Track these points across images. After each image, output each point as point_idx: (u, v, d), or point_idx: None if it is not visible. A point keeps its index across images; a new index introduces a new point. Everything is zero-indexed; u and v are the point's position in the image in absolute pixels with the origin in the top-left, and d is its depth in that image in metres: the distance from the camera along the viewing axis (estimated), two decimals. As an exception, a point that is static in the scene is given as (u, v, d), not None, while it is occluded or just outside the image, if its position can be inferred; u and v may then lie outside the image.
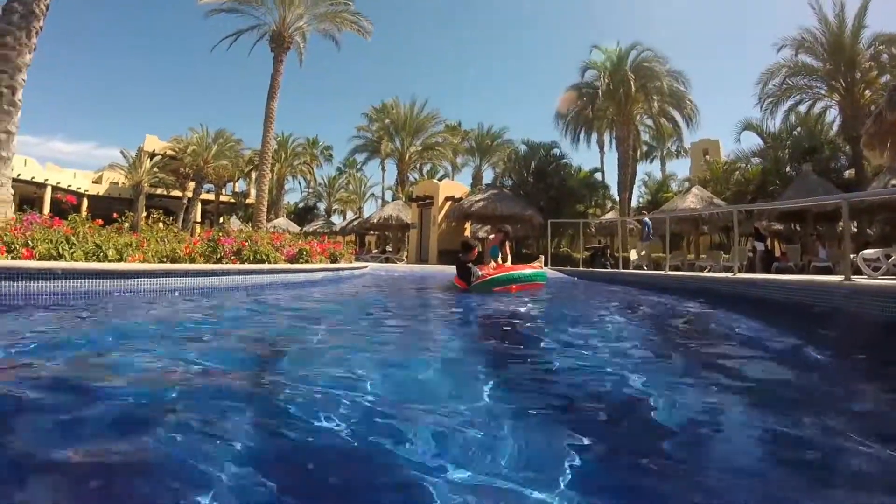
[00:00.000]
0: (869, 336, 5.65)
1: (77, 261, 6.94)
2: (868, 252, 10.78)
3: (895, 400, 3.11)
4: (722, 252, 23.80)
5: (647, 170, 44.84)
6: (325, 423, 2.13)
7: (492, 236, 11.90)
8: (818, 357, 4.50)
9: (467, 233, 34.77)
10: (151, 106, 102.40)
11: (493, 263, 11.22)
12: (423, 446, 1.95)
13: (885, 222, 25.94)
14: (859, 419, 2.62)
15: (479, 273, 10.17)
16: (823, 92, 27.86)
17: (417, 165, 48.91)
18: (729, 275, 10.91)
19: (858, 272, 9.87)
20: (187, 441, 1.93)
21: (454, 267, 10.80)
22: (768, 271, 16.72)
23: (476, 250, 10.99)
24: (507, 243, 11.88)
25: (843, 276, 7.15)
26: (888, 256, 9.94)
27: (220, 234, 11.35)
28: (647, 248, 21.96)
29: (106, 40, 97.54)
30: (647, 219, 22.33)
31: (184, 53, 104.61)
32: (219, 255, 9.88)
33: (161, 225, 11.27)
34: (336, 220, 53.02)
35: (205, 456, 1.79)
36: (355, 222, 42.75)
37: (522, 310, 7.68)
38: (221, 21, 35.48)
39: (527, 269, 10.73)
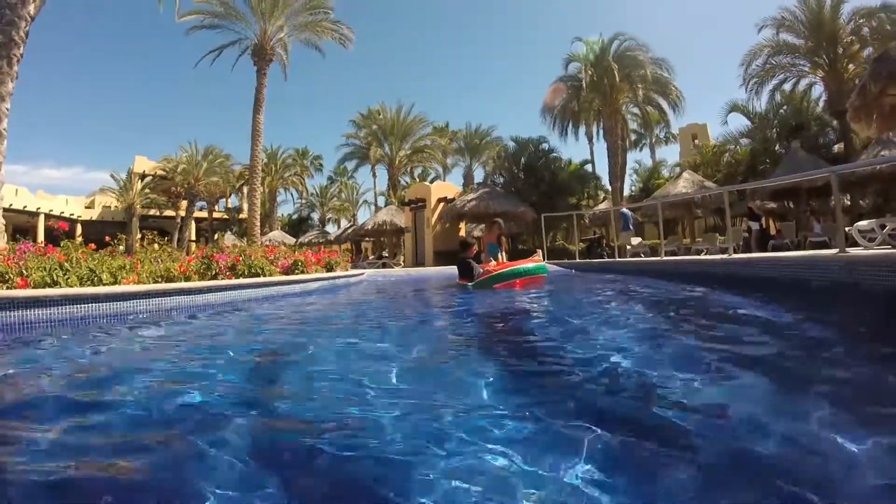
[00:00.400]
0: (869, 306, 5.65)
1: (72, 286, 6.91)
2: (862, 223, 10.78)
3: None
4: (717, 234, 23.86)
5: (637, 158, 45.08)
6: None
7: (485, 234, 11.87)
8: (819, 331, 4.52)
9: (462, 233, 34.74)
10: (139, 127, 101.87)
11: (493, 262, 11.25)
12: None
13: (877, 194, 26.07)
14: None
15: (481, 270, 10.38)
16: (807, 69, 27.93)
17: (408, 169, 48.89)
18: (725, 256, 10.93)
19: (855, 245, 9.88)
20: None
21: (453, 267, 10.89)
22: (764, 250, 16.77)
23: (474, 248, 11.35)
24: (502, 238, 11.89)
25: (837, 250, 7.15)
26: (882, 227, 9.96)
27: (214, 250, 11.34)
28: (626, 237, 21.99)
29: (88, 64, 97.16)
30: (624, 210, 22.46)
31: (168, 72, 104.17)
32: (213, 272, 9.84)
33: (156, 246, 11.24)
34: (331, 229, 52.94)
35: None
36: (350, 230, 42.68)
37: (537, 304, 7.74)
38: (203, 38, 35.60)
39: (528, 264, 10.78)
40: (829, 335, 4.36)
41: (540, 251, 13.05)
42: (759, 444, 1.97)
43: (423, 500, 1.54)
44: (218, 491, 1.63)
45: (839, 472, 1.81)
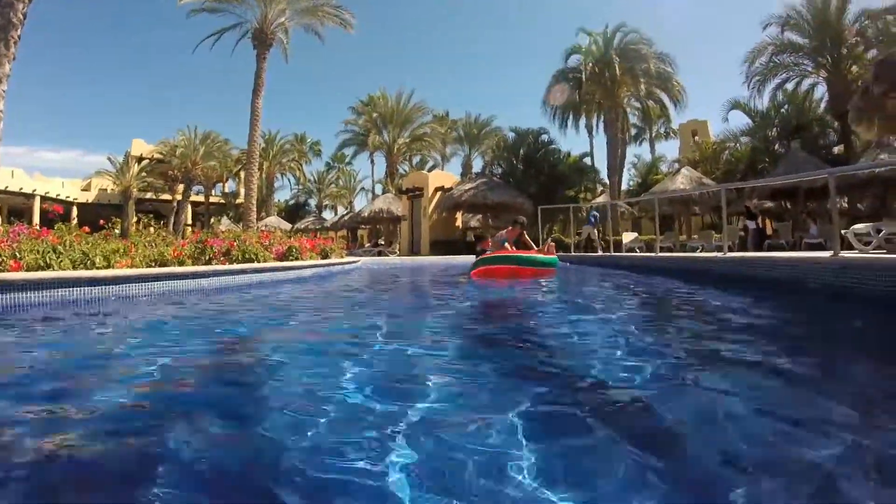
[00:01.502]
0: (859, 310, 5.69)
1: (65, 269, 6.89)
2: (859, 227, 10.79)
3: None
4: (713, 232, 23.89)
5: (637, 152, 44.78)
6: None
7: (505, 231, 11.87)
8: (804, 331, 4.57)
9: (458, 223, 34.83)
10: (138, 110, 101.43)
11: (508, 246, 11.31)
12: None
13: (875, 197, 26.02)
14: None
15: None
16: (810, 69, 27.82)
17: (406, 157, 48.79)
18: (719, 254, 10.94)
19: (850, 247, 9.90)
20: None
21: (450, 257, 11.21)
22: (760, 249, 16.79)
23: (488, 240, 12.11)
24: (525, 237, 11.96)
25: (832, 252, 7.17)
26: (879, 231, 9.96)
27: (209, 235, 11.33)
28: (589, 231, 22.37)
29: (89, 47, 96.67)
30: (594, 211, 23.77)
31: (168, 55, 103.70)
32: (207, 257, 9.84)
33: (151, 230, 11.22)
34: (327, 215, 52.91)
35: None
36: (346, 217, 42.62)
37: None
38: (203, 21, 35.31)
39: (540, 255, 11.09)
40: (811, 335, 4.42)
41: (553, 243, 13.21)
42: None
43: None
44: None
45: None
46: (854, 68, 25.80)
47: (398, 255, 30.63)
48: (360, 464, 1.74)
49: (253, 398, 2.70)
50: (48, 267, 6.84)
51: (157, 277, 7.54)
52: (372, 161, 51.21)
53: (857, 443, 1.99)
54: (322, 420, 2.21)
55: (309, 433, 2.06)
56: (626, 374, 3.07)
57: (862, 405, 2.50)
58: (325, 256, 14.54)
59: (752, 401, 2.55)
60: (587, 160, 39.30)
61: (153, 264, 8.70)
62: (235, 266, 9.53)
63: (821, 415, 2.37)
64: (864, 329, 4.85)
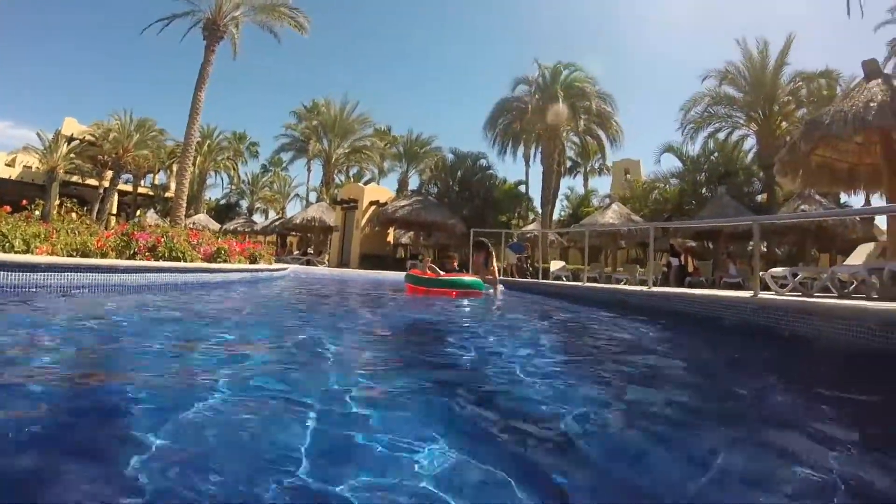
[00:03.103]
0: (773, 347, 5.83)
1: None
2: (777, 270, 11.13)
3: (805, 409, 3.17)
4: (638, 266, 24.47)
5: (571, 184, 45.70)
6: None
7: (481, 254, 14.00)
8: (720, 365, 4.66)
9: (390, 238, 34.65)
10: (74, 87, 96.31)
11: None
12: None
13: (792, 244, 27.29)
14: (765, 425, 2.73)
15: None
16: (742, 121, 29.29)
17: (344, 168, 48.39)
18: (644, 288, 11.11)
19: (767, 288, 10.20)
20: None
21: (381, 272, 11.72)
22: (681, 285, 17.21)
23: (455, 259, 13.59)
24: (491, 258, 13.75)
25: (752, 293, 7.33)
26: (795, 275, 10.29)
27: (135, 228, 10.83)
28: (508, 256, 22.90)
29: (27, 13, 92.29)
30: (518, 243, 25.03)
31: (113, 34, 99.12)
32: (132, 251, 9.35)
33: (74, 215, 10.69)
34: (258, 218, 51.64)
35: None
36: (278, 222, 41.84)
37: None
38: (155, 4, 34.23)
39: (467, 278, 12.07)
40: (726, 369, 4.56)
41: (497, 265, 13.89)
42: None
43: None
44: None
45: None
46: (784, 124, 27.22)
47: (327, 266, 30.18)
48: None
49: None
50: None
51: (76, 268, 7.01)
52: (309, 168, 50.59)
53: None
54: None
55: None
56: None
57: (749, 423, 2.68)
58: (254, 261, 14.09)
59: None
60: (522, 188, 39.91)
61: (74, 253, 8.22)
62: (162, 264, 9.04)
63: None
64: (771, 361, 5.05)
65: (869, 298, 7.75)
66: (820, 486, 1.81)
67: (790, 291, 9.63)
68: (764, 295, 7.37)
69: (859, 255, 10.72)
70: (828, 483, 1.81)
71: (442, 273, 12.02)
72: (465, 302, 10.25)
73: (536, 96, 31.10)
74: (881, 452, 2.27)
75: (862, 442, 2.38)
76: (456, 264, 13.24)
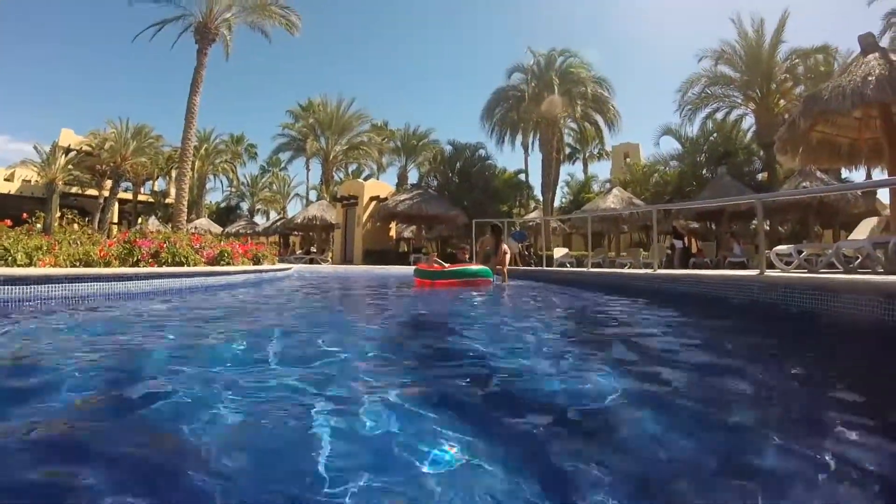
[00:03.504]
0: (783, 324, 5.85)
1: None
2: (781, 248, 11.15)
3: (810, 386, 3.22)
4: (641, 249, 24.46)
5: (570, 171, 45.62)
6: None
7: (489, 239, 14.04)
8: (731, 344, 4.67)
9: (392, 233, 34.64)
10: (69, 98, 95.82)
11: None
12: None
13: (795, 221, 27.30)
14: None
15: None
16: (740, 101, 29.16)
17: (343, 165, 48.19)
18: (650, 271, 11.13)
19: (772, 266, 10.21)
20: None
21: (385, 267, 11.68)
22: (686, 267, 17.24)
23: (465, 251, 13.46)
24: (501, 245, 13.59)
25: (758, 271, 7.35)
26: (800, 252, 10.30)
27: (137, 235, 10.84)
28: (510, 244, 22.95)
29: (20, 26, 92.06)
30: (521, 230, 25.02)
31: (105, 43, 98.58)
32: (135, 258, 9.34)
33: (76, 226, 10.70)
34: (259, 220, 51.62)
35: None
36: (279, 223, 41.84)
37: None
38: (145, 10, 34.10)
39: (473, 267, 12.15)
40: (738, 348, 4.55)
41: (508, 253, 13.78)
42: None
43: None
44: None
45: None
46: (781, 102, 27.16)
47: (330, 264, 30.21)
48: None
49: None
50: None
51: (78, 279, 7.01)
52: (307, 167, 50.48)
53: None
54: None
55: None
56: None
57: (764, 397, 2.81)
58: (258, 262, 14.10)
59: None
60: (522, 177, 39.84)
61: (78, 264, 8.24)
62: (164, 269, 9.05)
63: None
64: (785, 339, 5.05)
65: (874, 272, 7.76)
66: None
67: (795, 269, 9.64)
68: (770, 273, 7.41)
69: (863, 230, 10.69)
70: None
71: (447, 265, 12.09)
72: (475, 292, 10.24)
73: (532, 84, 31.07)
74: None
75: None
76: (467, 255, 13.23)
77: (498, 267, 12.92)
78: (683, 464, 1.88)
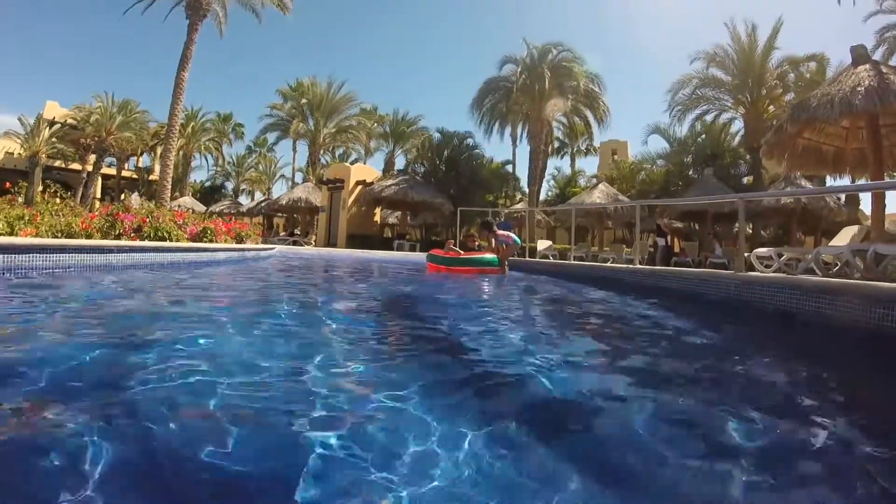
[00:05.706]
0: (758, 321, 5.93)
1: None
2: (762, 250, 11.26)
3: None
4: (624, 245, 24.60)
5: (558, 165, 45.66)
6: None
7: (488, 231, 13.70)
8: (706, 337, 4.91)
9: (377, 218, 34.58)
10: (55, 69, 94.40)
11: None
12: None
13: (778, 227, 27.56)
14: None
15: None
16: (730, 104, 29.36)
17: (330, 148, 47.90)
18: (631, 266, 11.19)
19: (752, 268, 10.29)
20: None
21: (367, 251, 11.75)
22: (667, 265, 17.34)
23: (475, 239, 13.75)
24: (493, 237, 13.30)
25: (737, 270, 7.42)
26: (780, 255, 10.40)
27: (119, 208, 10.76)
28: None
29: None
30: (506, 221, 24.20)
31: (94, 14, 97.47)
32: (117, 232, 9.31)
33: (58, 199, 10.60)
34: (244, 200, 51.26)
35: None
36: (264, 204, 41.55)
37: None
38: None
39: (487, 255, 12.44)
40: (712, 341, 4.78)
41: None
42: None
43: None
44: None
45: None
46: (771, 108, 27.36)
47: (314, 247, 30.09)
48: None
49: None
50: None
51: (62, 249, 6.91)
52: (294, 149, 50.13)
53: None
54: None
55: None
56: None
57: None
58: (241, 241, 14.08)
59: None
60: (509, 167, 39.85)
61: (59, 235, 8.17)
62: (147, 244, 8.97)
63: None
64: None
65: (852, 279, 7.84)
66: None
67: (775, 272, 9.72)
68: (749, 273, 7.47)
69: (843, 237, 10.79)
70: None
71: (462, 253, 12.75)
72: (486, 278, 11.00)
73: (523, 76, 31.02)
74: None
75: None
76: (477, 244, 13.51)
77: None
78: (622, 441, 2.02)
